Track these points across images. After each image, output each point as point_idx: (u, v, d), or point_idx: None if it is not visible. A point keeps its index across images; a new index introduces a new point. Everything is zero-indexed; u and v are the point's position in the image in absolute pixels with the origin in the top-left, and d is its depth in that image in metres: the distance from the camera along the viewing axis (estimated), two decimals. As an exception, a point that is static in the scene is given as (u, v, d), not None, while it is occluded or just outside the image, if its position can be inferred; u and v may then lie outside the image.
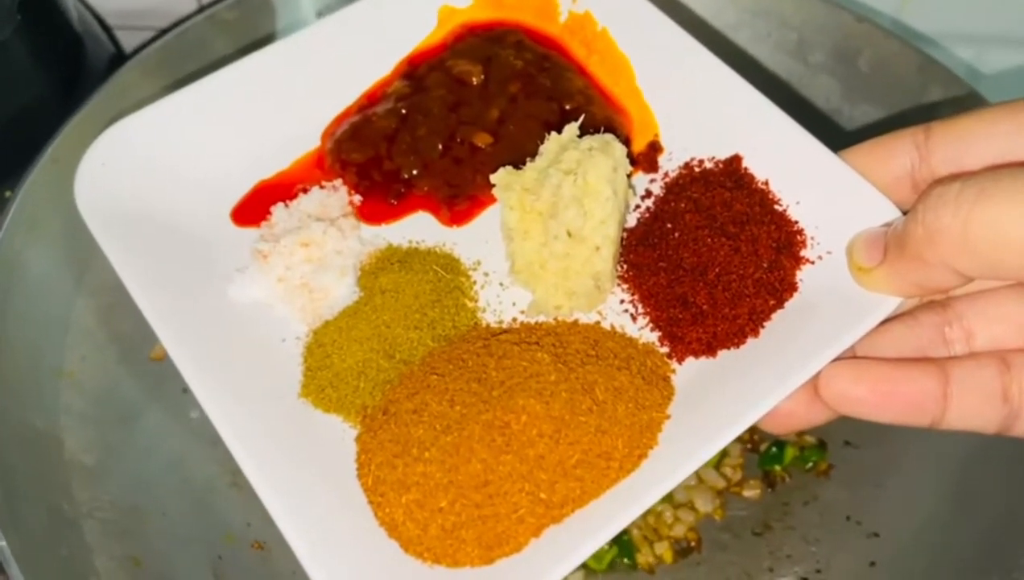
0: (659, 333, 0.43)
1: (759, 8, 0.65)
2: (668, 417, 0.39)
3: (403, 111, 0.51)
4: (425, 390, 0.38)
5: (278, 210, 0.48)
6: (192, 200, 0.48)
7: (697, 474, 0.59)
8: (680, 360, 0.42)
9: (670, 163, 0.49)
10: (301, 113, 0.51)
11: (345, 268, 0.45)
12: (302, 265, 0.45)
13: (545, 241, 0.43)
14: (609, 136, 0.44)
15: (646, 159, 0.50)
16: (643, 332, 0.44)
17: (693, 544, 0.57)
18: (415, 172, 0.49)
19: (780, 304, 0.42)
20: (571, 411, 0.37)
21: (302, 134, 0.51)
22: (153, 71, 0.59)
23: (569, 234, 0.42)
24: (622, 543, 0.56)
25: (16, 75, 0.61)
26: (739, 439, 0.60)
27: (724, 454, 0.60)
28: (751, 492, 0.59)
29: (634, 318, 0.44)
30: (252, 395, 0.40)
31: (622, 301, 0.45)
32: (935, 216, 0.35)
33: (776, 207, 0.45)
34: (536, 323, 0.43)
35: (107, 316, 0.57)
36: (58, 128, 0.56)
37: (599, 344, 0.41)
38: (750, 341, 0.42)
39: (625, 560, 0.56)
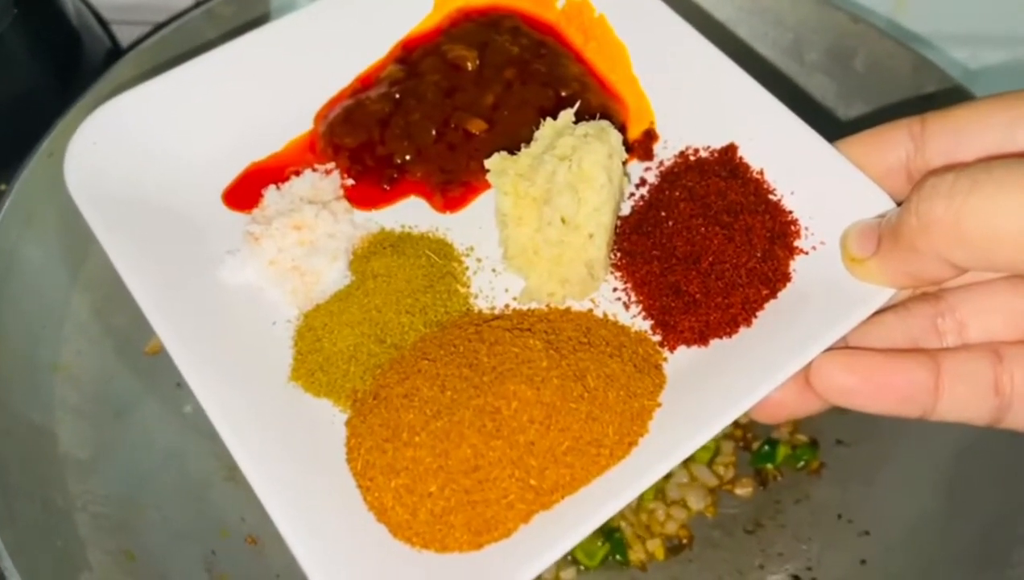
0: (651, 321, 0.43)
1: (755, 6, 0.65)
2: (659, 405, 0.39)
3: (396, 96, 0.51)
4: (416, 375, 0.38)
5: (270, 193, 0.48)
6: (183, 181, 0.47)
7: (689, 472, 0.60)
8: (672, 348, 0.42)
9: (665, 151, 0.49)
10: (294, 95, 0.50)
11: (337, 252, 0.45)
12: (294, 248, 0.45)
13: (539, 227, 0.43)
14: (605, 123, 0.43)
15: (641, 147, 0.49)
16: (635, 320, 0.44)
17: (685, 541, 0.57)
18: (408, 157, 0.49)
19: (773, 294, 0.42)
20: (562, 397, 0.36)
21: (295, 116, 0.50)
22: (149, 65, 0.59)
23: (563, 221, 0.42)
24: (614, 540, 0.57)
25: (12, 68, 0.61)
26: (731, 437, 0.61)
27: (716, 452, 0.60)
28: (743, 490, 0.59)
29: (627, 306, 0.44)
30: (242, 378, 0.40)
31: (615, 289, 0.45)
32: (929, 207, 0.35)
33: (770, 197, 0.45)
34: (528, 310, 0.43)
35: (103, 310, 0.57)
36: (54, 122, 0.56)
37: (591, 331, 0.41)
38: (742, 330, 0.42)
39: (617, 557, 0.57)
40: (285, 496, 0.36)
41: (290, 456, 0.37)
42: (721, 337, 0.42)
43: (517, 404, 0.36)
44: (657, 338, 0.43)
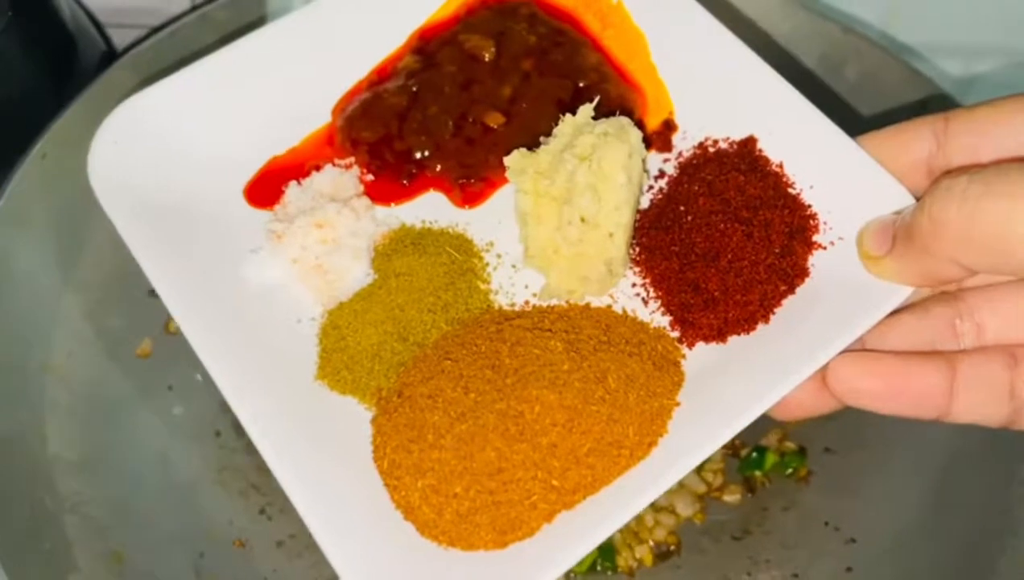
0: (670, 317, 0.43)
1: (747, 16, 0.65)
2: (678, 404, 0.39)
3: (414, 88, 0.50)
4: (439, 375, 0.39)
5: (291, 189, 0.48)
6: (206, 178, 0.47)
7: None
8: (691, 345, 0.42)
9: (684, 142, 0.49)
10: (313, 88, 0.50)
11: (359, 250, 0.45)
12: (316, 246, 0.45)
13: (559, 226, 0.43)
14: (624, 120, 0.43)
15: (660, 138, 0.49)
16: (654, 316, 0.44)
17: (673, 548, 0.58)
18: (427, 153, 0.49)
19: (791, 290, 0.42)
20: (584, 400, 0.37)
21: (314, 110, 0.50)
22: (145, 69, 0.59)
23: (583, 220, 0.42)
24: (602, 546, 0.57)
25: (6, 71, 0.61)
26: (720, 444, 0.61)
27: (705, 459, 0.60)
28: (731, 497, 0.59)
29: (645, 302, 0.44)
30: (270, 377, 0.40)
31: (634, 285, 0.45)
32: (941, 209, 0.35)
33: (790, 190, 0.44)
34: (548, 307, 0.43)
35: (94, 312, 0.57)
36: (48, 124, 0.56)
37: (611, 329, 0.41)
38: (760, 327, 0.42)
39: (605, 563, 0.57)
40: (313, 493, 0.36)
41: (318, 455, 0.38)
42: (739, 333, 0.42)
43: (539, 408, 0.37)
44: (676, 334, 0.43)
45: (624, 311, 0.44)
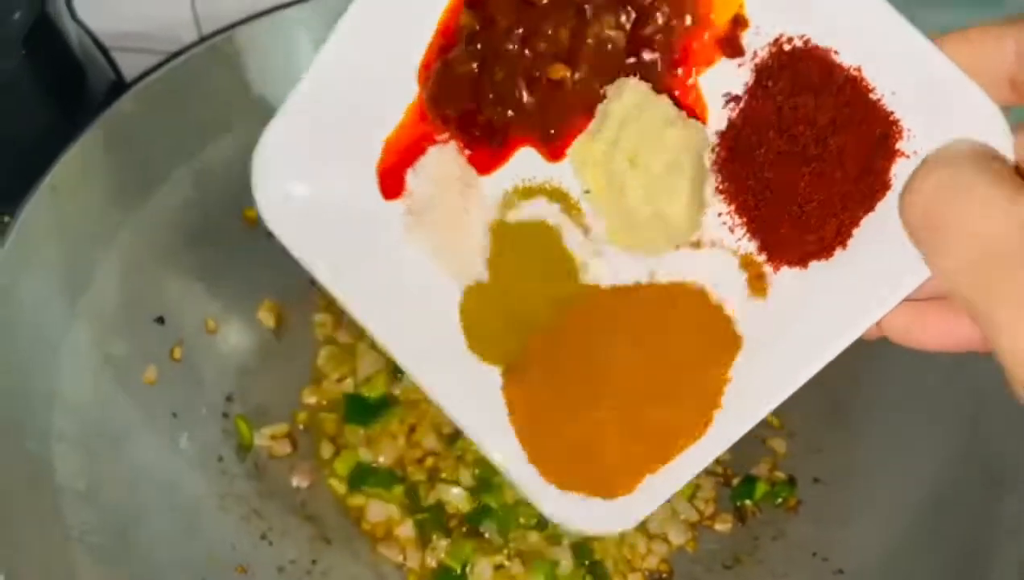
0: (756, 243, 0.45)
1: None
2: (730, 379, 0.44)
3: (478, 49, 0.49)
4: (540, 372, 0.48)
5: (409, 177, 0.51)
6: (342, 172, 0.50)
7: (671, 506, 0.61)
8: (776, 269, 0.45)
9: (758, 39, 0.45)
10: (399, 60, 0.49)
11: (477, 231, 0.50)
12: (444, 233, 0.50)
13: (622, 213, 0.45)
14: (671, 112, 0.44)
15: (729, 41, 0.46)
16: (740, 243, 0.46)
17: (665, 576, 0.59)
18: (507, 115, 0.49)
19: (871, 207, 0.42)
20: (650, 403, 0.45)
21: (404, 82, 0.50)
22: (153, 100, 0.61)
23: (640, 212, 0.44)
24: (596, 573, 0.58)
25: (17, 104, 0.62)
26: (712, 473, 0.62)
27: (697, 487, 0.62)
28: (723, 526, 0.61)
29: (732, 230, 0.46)
30: (436, 352, 0.49)
31: (720, 213, 0.46)
32: (908, 206, 0.36)
33: (869, 96, 0.42)
34: (623, 290, 0.47)
35: (101, 340, 0.58)
36: (58, 155, 0.57)
37: (677, 303, 0.47)
38: (838, 253, 0.43)
39: (599, 589, 0.58)
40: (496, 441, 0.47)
41: (484, 413, 0.48)
42: (819, 260, 0.44)
43: (619, 415, 0.46)
44: (762, 258, 0.45)
45: (694, 284, 0.47)
